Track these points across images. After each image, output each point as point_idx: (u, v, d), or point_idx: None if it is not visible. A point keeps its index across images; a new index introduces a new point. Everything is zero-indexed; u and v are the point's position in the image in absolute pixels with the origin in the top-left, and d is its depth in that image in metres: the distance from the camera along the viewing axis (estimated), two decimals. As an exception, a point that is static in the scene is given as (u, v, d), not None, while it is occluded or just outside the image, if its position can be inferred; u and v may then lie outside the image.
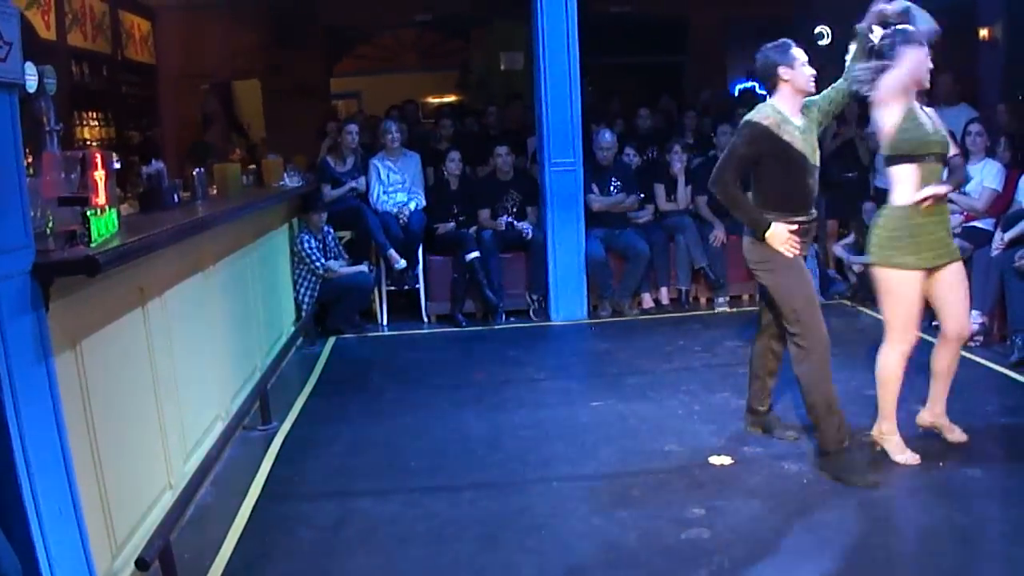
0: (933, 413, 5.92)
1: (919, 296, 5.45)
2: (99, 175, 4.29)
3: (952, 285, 5.54)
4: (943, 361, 5.79)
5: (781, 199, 5.48)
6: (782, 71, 5.52)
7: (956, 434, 5.85)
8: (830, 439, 5.44)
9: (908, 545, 4.68)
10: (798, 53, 5.57)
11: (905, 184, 5.40)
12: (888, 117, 5.40)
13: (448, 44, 17.39)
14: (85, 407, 4.08)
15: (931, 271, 5.44)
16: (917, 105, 5.49)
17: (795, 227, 5.43)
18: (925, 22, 5.68)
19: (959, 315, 5.63)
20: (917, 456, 5.53)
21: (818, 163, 5.59)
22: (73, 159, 4.29)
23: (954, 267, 5.53)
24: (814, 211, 5.61)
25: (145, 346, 4.95)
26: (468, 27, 16.30)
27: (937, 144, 5.42)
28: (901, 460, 5.55)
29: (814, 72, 5.59)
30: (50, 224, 4.11)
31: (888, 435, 5.66)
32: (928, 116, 5.50)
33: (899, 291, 5.42)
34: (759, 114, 5.50)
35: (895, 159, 5.43)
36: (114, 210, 4.49)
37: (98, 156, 4.35)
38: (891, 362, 5.59)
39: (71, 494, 3.75)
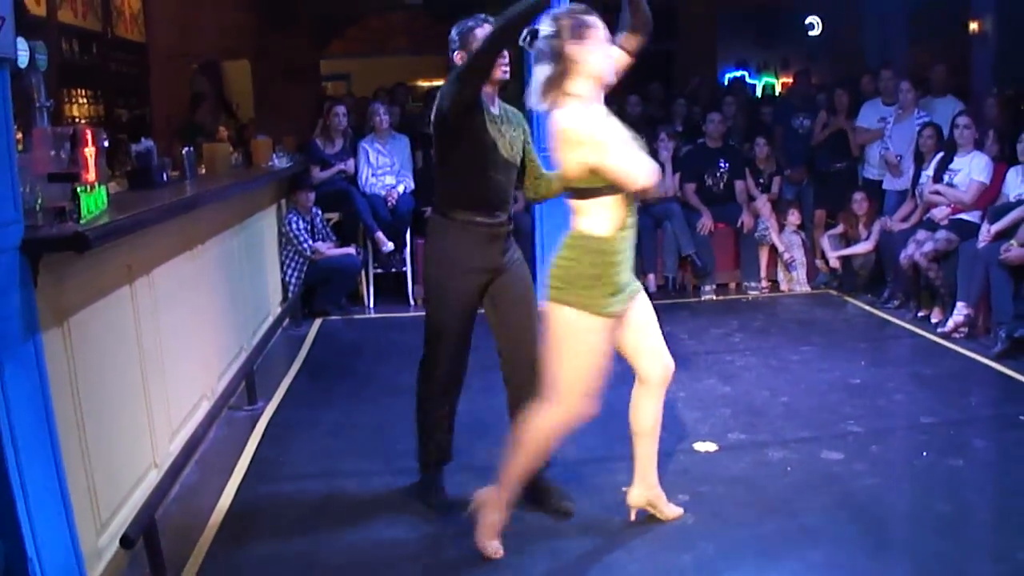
0: (646, 485, 4.81)
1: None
2: (89, 152, 4.29)
3: (647, 320, 4.68)
4: (647, 415, 4.79)
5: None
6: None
7: (673, 509, 4.86)
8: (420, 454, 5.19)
9: (891, 533, 4.70)
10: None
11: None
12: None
13: (438, 27, 17.36)
14: (72, 384, 4.09)
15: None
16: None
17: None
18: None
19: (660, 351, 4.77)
20: (500, 550, 4.54)
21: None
22: (63, 135, 4.29)
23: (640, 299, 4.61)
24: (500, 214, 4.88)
25: (133, 324, 4.95)
26: (458, 11, 16.25)
27: None
28: (484, 549, 4.54)
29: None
30: (40, 200, 4.11)
31: (492, 510, 4.57)
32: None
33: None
34: None
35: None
36: (104, 187, 4.49)
37: (88, 133, 4.34)
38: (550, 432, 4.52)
39: (57, 471, 3.76)
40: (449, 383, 5.15)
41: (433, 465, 5.21)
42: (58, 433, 3.79)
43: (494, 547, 4.53)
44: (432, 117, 4.77)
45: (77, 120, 9.51)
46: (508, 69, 4.76)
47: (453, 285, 4.93)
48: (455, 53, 4.86)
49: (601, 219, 4.25)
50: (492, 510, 4.54)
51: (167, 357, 5.42)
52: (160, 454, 5.20)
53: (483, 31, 4.75)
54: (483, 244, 4.85)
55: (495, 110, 4.86)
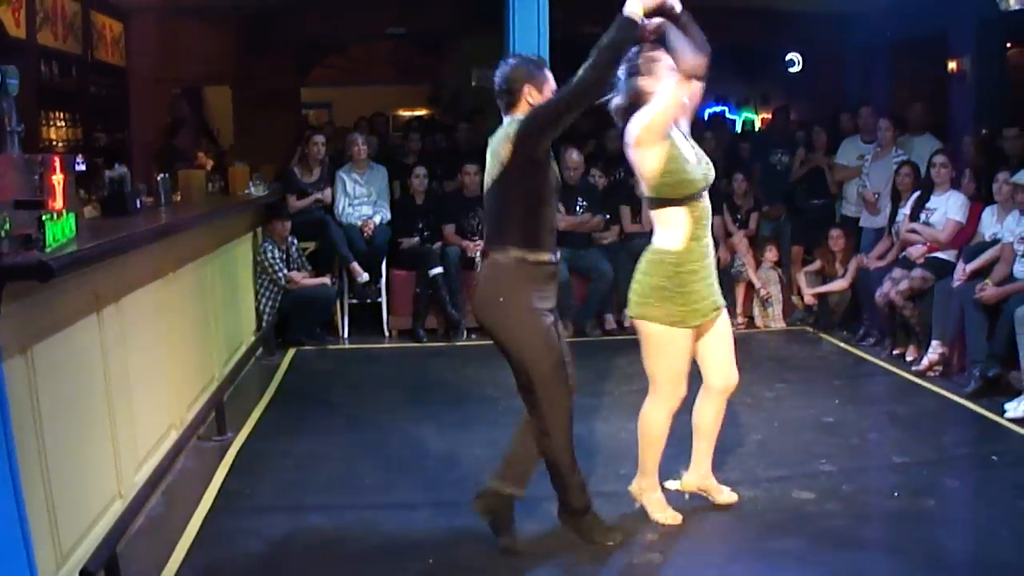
0: (699, 475, 5.41)
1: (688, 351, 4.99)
2: (57, 179, 4.25)
3: (720, 335, 5.12)
4: (707, 416, 5.30)
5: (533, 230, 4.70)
6: (528, 90, 4.69)
7: (725, 495, 5.41)
8: (575, 498, 4.93)
9: (859, 572, 4.67)
10: (550, 76, 4.77)
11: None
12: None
13: (421, 58, 17.37)
14: (35, 413, 4.04)
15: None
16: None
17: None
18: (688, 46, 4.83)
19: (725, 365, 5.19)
20: (679, 516, 5.19)
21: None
22: (33, 162, 4.25)
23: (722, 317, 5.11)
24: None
25: (99, 353, 4.91)
26: (441, 42, 16.28)
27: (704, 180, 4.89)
28: (661, 519, 5.17)
29: None
30: (6, 227, 4.06)
31: (648, 491, 5.28)
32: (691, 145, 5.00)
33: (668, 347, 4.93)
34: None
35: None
36: (72, 215, 4.45)
37: (57, 160, 4.30)
38: (658, 419, 5.13)
39: (17, 501, 3.70)
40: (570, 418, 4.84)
41: (586, 504, 4.97)
42: (19, 463, 3.72)
43: (671, 514, 5.18)
44: (508, 160, 4.62)
45: (55, 143, 9.47)
46: None
47: (544, 324, 4.70)
48: (524, 88, 4.69)
49: (673, 232, 4.83)
50: (649, 492, 5.24)
51: (135, 386, 5.37)
52: (125, 485, 5.14)
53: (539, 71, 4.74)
54: (551, 284, 4.77)
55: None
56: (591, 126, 12.01)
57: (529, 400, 4.74)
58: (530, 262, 4.61)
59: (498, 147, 4.66)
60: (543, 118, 4.55)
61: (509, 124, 4.68)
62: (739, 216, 10.49)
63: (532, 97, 4.67)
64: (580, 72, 4.45)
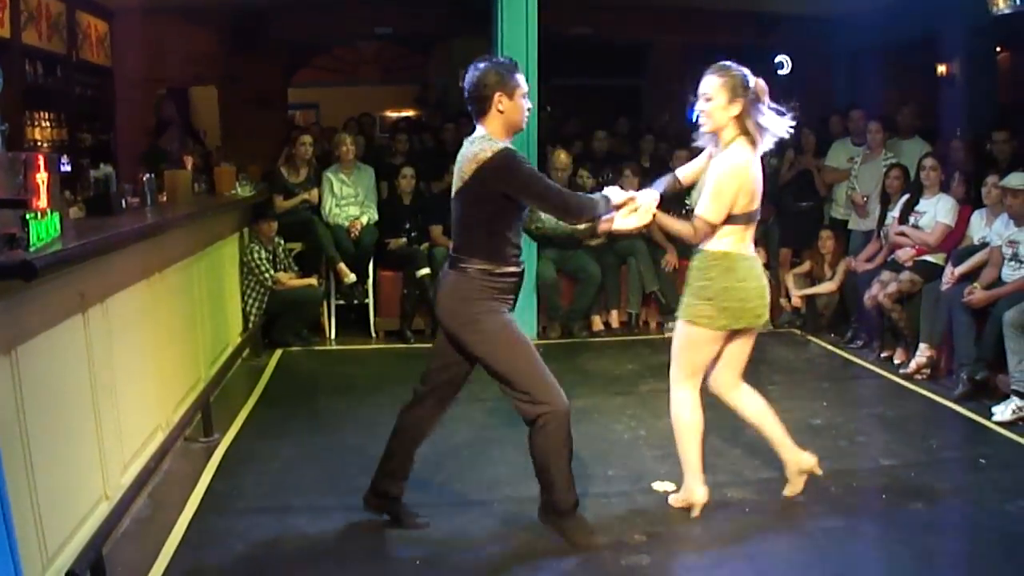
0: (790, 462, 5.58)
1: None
2: (41, 178, 4.21)
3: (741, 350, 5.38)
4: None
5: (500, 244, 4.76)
6: (498, 97, 4.66)
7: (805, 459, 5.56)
8: (562, 498, 4.87)
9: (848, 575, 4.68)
10: (521, 80, 4.74)
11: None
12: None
13: (408, 59, 17.36)
14: (19, 414, 4.01)
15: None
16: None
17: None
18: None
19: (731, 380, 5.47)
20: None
21: None
22: (16, 160, 4.21)
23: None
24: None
25: (85, 353, 4.87)
26: (429, 43, 16.28)
27: None
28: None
29: (529, 107, 4.84)
30: (-10, 227, 4.04)
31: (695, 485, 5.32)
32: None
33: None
34: (492, 144, 4.63)
35: None
36: (56, 214, 4.41)
37: (41, 159, 4.27)
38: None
39: (1, 503, 3.67)
40: (568, 420, 4.78)
41: (574, 506, 4.93)
42: (3, 464, 3.69)
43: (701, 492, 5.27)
44: (470, 181, 4.69)
45: (40, 143, 9.42)
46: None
47: (507, 322, 4.77)
48: (495, 96, 4.68)
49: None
50: (694, 489, 5.26)
51: (121, 387, 5.33)
52: (111, 486, 5.10)
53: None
54: (514, 292, 4.85)
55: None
56: (579, 127, 12.04)
57: (511, 396, 4.74)
58: (494, 274, 4.67)
59: (463, 164, 4.70)
60: (519, 185, 4.64)
61: (481, 142, 4.67)
62: (727, 218, 10.47)
63: (502, 104, 4.66)
64: (573, 199, 4.79)
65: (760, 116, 4.94)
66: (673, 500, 5.39)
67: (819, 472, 5.51)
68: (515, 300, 4.84)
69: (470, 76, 4.70)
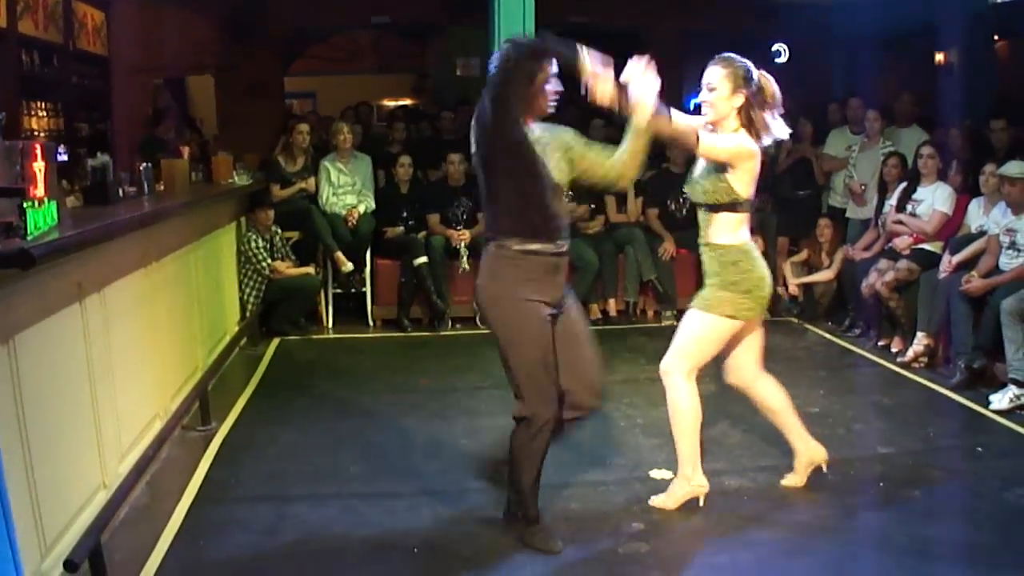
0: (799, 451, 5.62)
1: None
2: (38, 167, 4.21)
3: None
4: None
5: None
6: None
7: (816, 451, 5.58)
8: (529, 507, 4.81)
9: (847, 565, 4.67)
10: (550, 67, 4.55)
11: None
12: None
13: (405, 47, 17.33)
14: (17, 403, 4.01)
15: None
16: None
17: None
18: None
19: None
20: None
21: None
22: (13, 149, 4.21)
23: None
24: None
25: (82, 342, 4.87)
26: (426, 31, 16.24)
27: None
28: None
29: (559, 92, 4.60)
30: (-13, 215, 4.03)
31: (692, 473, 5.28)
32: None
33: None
34: None
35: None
36: (53, 203, 4.41)
37: (38, 147, 4.26)
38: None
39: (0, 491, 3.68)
40: (548, 435, 4.67)
41: (535, 516, 4.84)
42: (2, 453, 3.70)
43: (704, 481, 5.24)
44: (485, 140, 4.59)
45: (37, 133, 9.40)
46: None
47: (528, 317, 4.60)
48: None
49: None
50: (692, 477, 5.22)
51: (119, 376, 5.33)
52: (109, 475, 5.10)
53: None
54: (548, 275, 4.63)
55: (537, 132, 4.61)
56: (576, 116, 11.99)
57: (513, 387, 4.68)
58: (522, 252, 4.54)
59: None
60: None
61: None
62: (725, 206, 10.46)
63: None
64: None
65: (764, 114, 4.96)
66: (658, 501, 5.29)
67: (825, 468, 5.53)
68: (554, 287, 4.65)
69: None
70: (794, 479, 5.52)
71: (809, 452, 5.51)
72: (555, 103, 4.59)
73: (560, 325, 4.69)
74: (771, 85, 5.10)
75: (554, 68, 4.54)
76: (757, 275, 5.05)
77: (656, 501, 5.27)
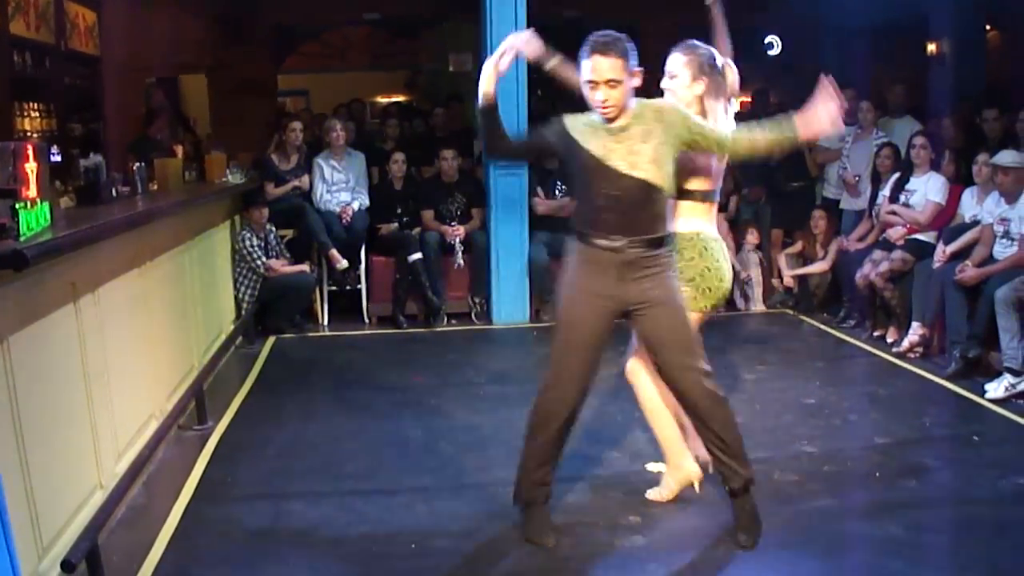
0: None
1: None
2: (30, 167, 4.21)
3: None
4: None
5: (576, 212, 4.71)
6: None
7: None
8: (526, 489, 4.85)
9: (845, 556, 4.68)
10: (583, 65, 4.48)
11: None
12: None
13: (397, 43, 17.33)
14: (12, 404, 4.00)
15: None
16: None
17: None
18: None
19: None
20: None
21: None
22: (5, 150, 4.20)
23: None
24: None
25: (77, 343, 4.86)
26: (418, 27, 16.24)
27: None
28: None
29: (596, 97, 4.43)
30: (-21, 217, 4.03)
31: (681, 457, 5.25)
32: None
33: None
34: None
35: None
36: (46, 203, 4.41)
37: (30, 148, 4.26)
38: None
39: (-5, 493, 3.68)
40: (553, 411, 4.71)
41: (523, 500, 4.87)
42: (-3, 454, 3.71)
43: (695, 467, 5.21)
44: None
45: (29, 134, 9.39)
46: (609, 107, 4.44)
47: (573, 309, 4.63)
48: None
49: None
50: (681, 465, 5.20)
51: (114, 376, 5.33)
52: (106, 475, 5.10)
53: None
54: (601, 266, 4.56)
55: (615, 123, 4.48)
56: (566, 110, 11.98)
57: None
58: (578, 241, 4.61)
59: None
60: None
61: None
62: (719, 199, 10.46)
63: None
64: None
65: (717, 105, 4.95)
66: (654, 494, 5.29)
67: (699, 490, 5.26)
68: (610, 279, 4.54)
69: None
70: (660, 493, 5.31)
71: (683, 467, 5.24)
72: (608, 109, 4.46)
73: (638, 325, 4.67)
74: (733, 75, 5.07)
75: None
76: (703, 266, 4.94)
77: (652, 494, 5.27)
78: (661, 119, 4.46)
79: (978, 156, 8.04)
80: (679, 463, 5.22)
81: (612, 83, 4.35)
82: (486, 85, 4.56)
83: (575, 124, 4.57)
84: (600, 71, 4.35)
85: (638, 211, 4.45)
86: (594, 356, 4.67)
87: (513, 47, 4.68)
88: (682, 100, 4.93)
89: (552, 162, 9.67)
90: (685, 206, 4.96)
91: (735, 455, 4.72)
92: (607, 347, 4.70)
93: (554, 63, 4.99)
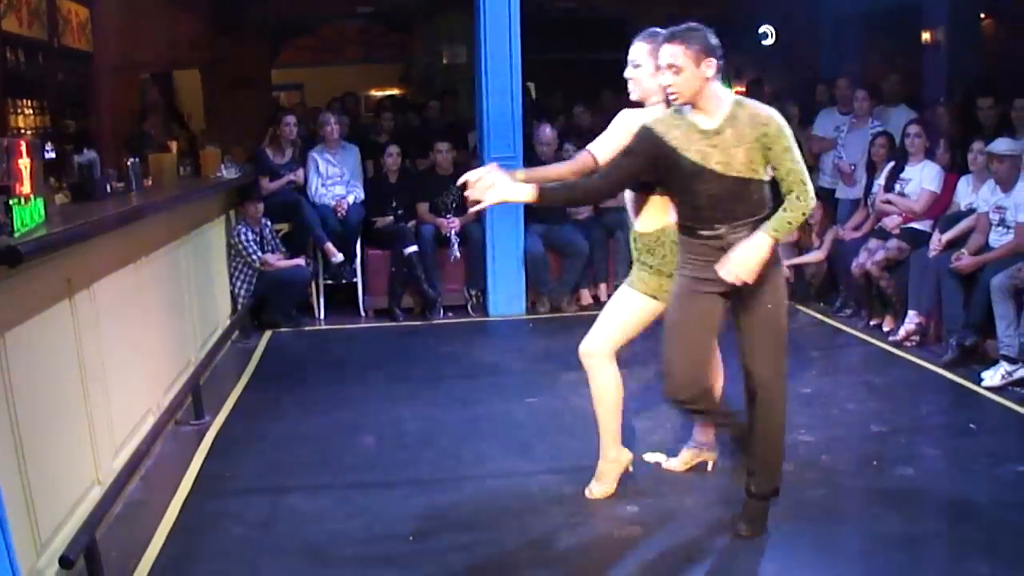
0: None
1: None
2: (24, 163, 4.21)
3: None
4: None
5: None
6: None
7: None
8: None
9: (842, 544, 4.70)
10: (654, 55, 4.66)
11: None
12: None
13: (391, 37, 17.30)
14: (8, 400, 4.01)
15: None
16: None
17: None
18: None
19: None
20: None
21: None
22: (-1, 147, 4.21)
23: None
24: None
25: (73, 339, 4.87)
26: (411, 20, 16.23)
27: None
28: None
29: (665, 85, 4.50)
30: (-27, 214, 4.02)
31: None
32: None
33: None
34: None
35: None
36: (40, 200, 4.41)
37: (23, 144, 4.25)
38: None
39: (-8, 490, 3.68)
40: (694, 394, 4.78)
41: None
42: (-7, 451, 3.71)
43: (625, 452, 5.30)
44: None
45: (23, 131, 9.37)
46: (675, 94, 4.47)
47: (683, 297, 4.72)
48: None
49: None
50: (618, 456, 5.26)
51: (110, 371, 5.33)
52: (103, 471, 5.10)
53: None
54: (702, 255, 4.60)
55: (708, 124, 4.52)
56: (561, 102, 12.00)
57: None
58: (684, 235, 4.69)
59: None
60: None
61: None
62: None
63: None
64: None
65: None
66: (597, 491, 5.24)
67: (630, 469, 5.37)
68: (707, 267, 4.56)
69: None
70: (595, 489, 5.29)
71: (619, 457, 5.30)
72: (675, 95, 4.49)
73: (737, 307, 4.71)
74: None
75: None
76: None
77: (594, 492, 5.24)
78: (755, 127, 4.48)
79: (973, 144, 8.03)
80: (616, 456, 5.25)
81: (674, 69, 4.39)
82: (515, 196, 4.71)
83: (666, 130, 4.53)
84: (663, 56, 4.43)
85: (737, 202, 4.53)
86: (708, 337, 4.80)
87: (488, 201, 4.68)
88: (645, 89, 4.94)
89: (548, 154, 9.66)
90: (649, 204, 5.07)
91: (773, 463, 4.75)
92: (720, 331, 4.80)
93: (521, 176, 4.88)
